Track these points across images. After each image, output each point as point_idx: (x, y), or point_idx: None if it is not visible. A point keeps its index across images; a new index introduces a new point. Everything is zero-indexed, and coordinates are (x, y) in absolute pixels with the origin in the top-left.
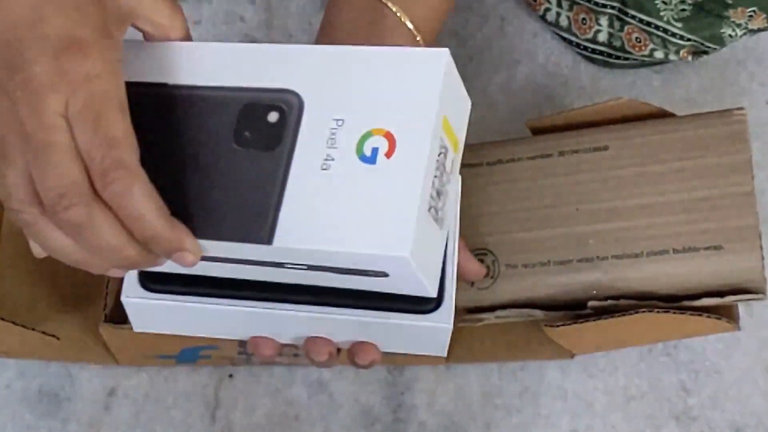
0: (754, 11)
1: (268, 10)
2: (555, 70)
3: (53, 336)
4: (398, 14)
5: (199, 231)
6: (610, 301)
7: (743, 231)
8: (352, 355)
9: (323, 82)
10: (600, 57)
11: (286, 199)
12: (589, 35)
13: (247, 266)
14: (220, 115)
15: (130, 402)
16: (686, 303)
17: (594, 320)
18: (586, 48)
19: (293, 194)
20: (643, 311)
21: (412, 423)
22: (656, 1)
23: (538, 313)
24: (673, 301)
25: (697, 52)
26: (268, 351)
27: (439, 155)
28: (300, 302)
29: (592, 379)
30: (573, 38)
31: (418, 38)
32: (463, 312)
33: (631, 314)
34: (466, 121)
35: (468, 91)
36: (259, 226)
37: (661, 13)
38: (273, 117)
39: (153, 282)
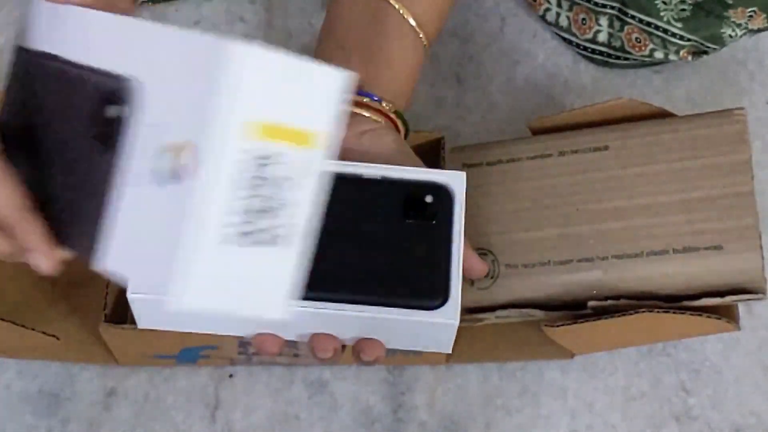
0: (754, 11)
1: (268, 10)
2: (555, 70)
3: (53, 336)
4: (401, 11)
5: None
6: (610, 301)
7: (743, 231)
8: (357, 351)
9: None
10: (600, 57)
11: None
12: (589, 35)
13: None
14: (77, 98)
15: (130, 402)
16: (686, 303)
17: (594, 320)
18: (586, 48)
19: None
20: (643, 311)
21: (412, 423)
22: (656, 2)
23: (538, 313)
24: (673, 301)
25: (697, 52)
26: (273, 348)
27: (251, 166)
28: (305, 299)
29: (592, 379)
30: (573, 38)
31: (420, 35)
32: (463, 312)
33: (631, 314)
34: (333, 105)
35: (468, 91)
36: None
37: (661, 14)
38: (112, 111)
39: None
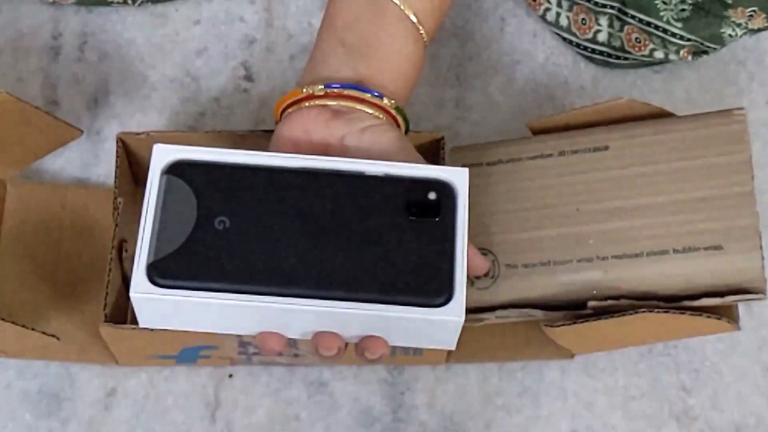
0: (754, 11)
1: (268, 10)
2: (555, 70)
3: (53, 336)
4: (401, 7)
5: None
6: (610, 301)
7: (743, 231)
8: (361, 350)
9: None
10: (600, 57)
11: None
12: (589, 35)
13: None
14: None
15: (130, 402)
16: (686, 303)
17: (594, 320)
18: (586, 48)
19: None
20: (643, 311)
21: (412, 423)
22: (656, 1)
23: (538, 313)
24: (673, 301)
25: (697, 52)
26: (276, 346)
27: None
28: (309, 297)
29: (592, 379)
30: (573, 38)
31: (421, 31)
32: None
33: (631, 314)
34: None
35: (468, 91)
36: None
37: (661, 13)
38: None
39: (161, 277)
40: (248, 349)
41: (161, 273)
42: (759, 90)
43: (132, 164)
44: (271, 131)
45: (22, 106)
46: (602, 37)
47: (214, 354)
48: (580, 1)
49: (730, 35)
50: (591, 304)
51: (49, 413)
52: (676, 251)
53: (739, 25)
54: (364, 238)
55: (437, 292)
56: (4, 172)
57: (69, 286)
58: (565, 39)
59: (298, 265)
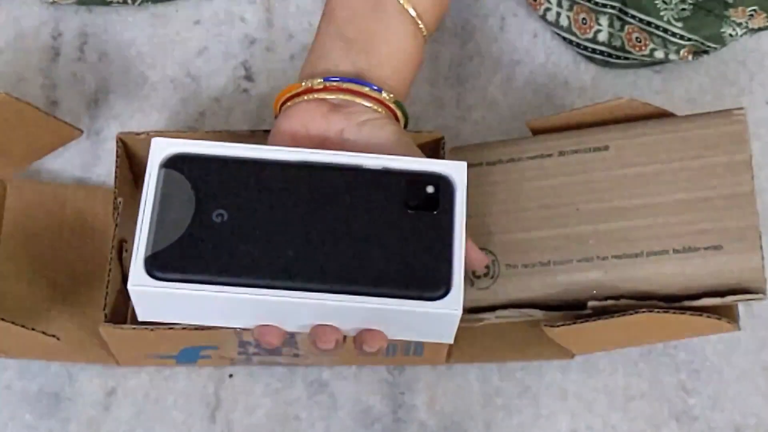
0: (754, 10)
1: (268, 10)
2: (555, 70)
3: (53, 336)
4: (401, 1)
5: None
6: (610, 301)
7: (743, 231)
8: (359, 342)
9: None
10: (600, 57)
11: None
12: (590, 35)
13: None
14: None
15: (130, 402)
16: (686, 303)
17: (594, 320)
18: (586, 48)
19: None
20: (643, 311)
21: (412, 423)
22: (656, 1)
23: (538, 313)
24: (673, 301)
25: (698, 52)
26: (274, 340)
27: None
28: (307, 290)
29: (592, 379)
30: (573, 38)
31: (420, 25)
32: (463, 312)
33: (631, 314)
34: None
35: (468, 91)
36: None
37: (661, 13)
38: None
39: (159, 270)
40: (248, 349)
41: (159, 266)
42: (759, 90)
43: (132, 164)
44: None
45: (22, 106)
46: (602, 36)
47: (215, 354)
48: (581, 1)
49: (730, 35)
50: (591, 304)
51: (49, 413)
52: (676, 251)
53: (739, 24)
54: (362, 232)
55: (435, 285)
56: (4, 172)
57: (69, 286)
58: (565, 39)
59: (296, 258)
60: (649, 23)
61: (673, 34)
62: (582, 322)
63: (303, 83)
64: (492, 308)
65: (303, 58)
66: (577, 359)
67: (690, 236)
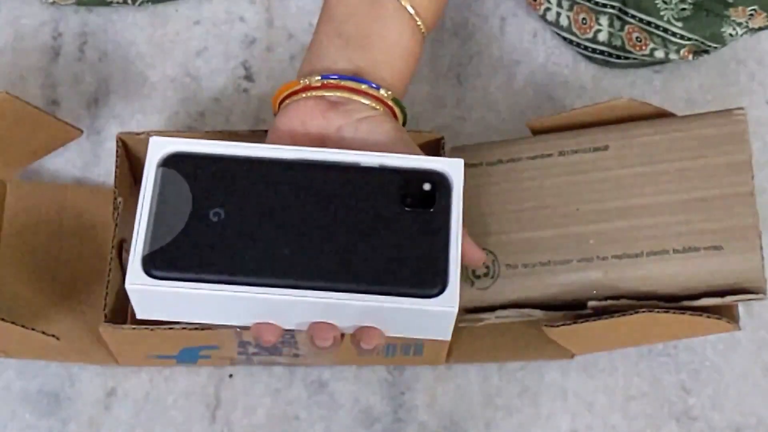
0: (754, 10)
1: (268, 10)
2: (555, 70)
3: (53, 336)
4: None
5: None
6: (610, 301)
7: (743, 231)
8: (356, 340)
9: None
10: (600, 57)
11: None
12: (590, 35)
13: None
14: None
15: (130, 402)
16: (686, 303)
17: (594, 320)
18: (586, 48)
19: None
20: (643, 311)
21: (412, 423)
22: (656, 1)
23: (538, 313)
24: (673, 301)
25: (698, 52)
26: (271, 337)
27: None
28: (304, 287)
29: (592, 379)
30: (573, 38)
31: (419, 23)
32: (463, 312)
33: (631, 314)
34: None
35: (468, 91)
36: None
37: (662, 13)
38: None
39: (157, 269)
40: (248, 349)
41: (157, 264)
42: (759, 90)
43: (132, 164)
44: None
45: (22, 106)
46: (603, 36)
47: (215, 354)
48: (581, 1)
49: (730, 34)
50: (591, 304)
51: (49, 413)
52: (676, 251)
53: (739, 24)
54: (358, 229)
55: (431, 283)
56: (4, 172)
57: (69, 286)
58: (565, 39)
59: (293, 256)
60: (649, 23)
61: (674, 34)
62: (582, 322)
63: (301, 81)
64: (492, 308)
65: (303, 57)
66: (577, 359)
67: (690, 236)
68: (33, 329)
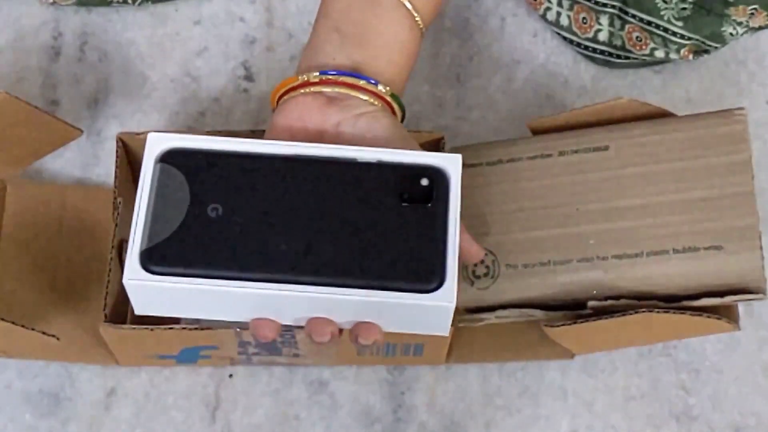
0: (755, 9)
1: (268, 10)
2: (555, 70)
3: (53, 336)
4: None
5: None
6: (610, 301)
7: (743, 231)
8: (354, 335)
9: None
10: (600, 56)
11: None
12: (590, 34)
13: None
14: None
15: (130, 402)
16: (686, 303)
17: (594, 320)
18: (586, 47)
19: None
20: (643, 311)
21: (412, 423)
22: (657, 0)
23: (538, 313)
24: (673, 301)
25: (698, 51)
26: (269, 333)
27: None
28: (302, 283)
29: (592, 379)
30: (573, 38)
31: (417, 19)
32: (463, 312)
33: (631, 314)
34: None
35: (468, 91)
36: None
37: (662, 12)
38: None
39: (155, 264)
40: (248, 349)
41: (154, 260)
42: (759, 90)
43: (132, 164)
44: None
45: (22, 106)
46: (603, 36)
47: (215, 354)
48: (581, 1)
49: (731, 34)
50: (591, 304)
51: (49, 413)
52: (676, 251)
53: (740, 23)
54: (356, 225)
55: (429, 278)
56: (4, 172)
57: (69, 286)
58: (565, 38)
59: (291, 252)
60: (649, 22)
61: (674, 34)
62: (582, 322)
63: (299, 77)
64: (492, 308)
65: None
66: (577, 359)
67: (690, 236)
68: (33, 329)
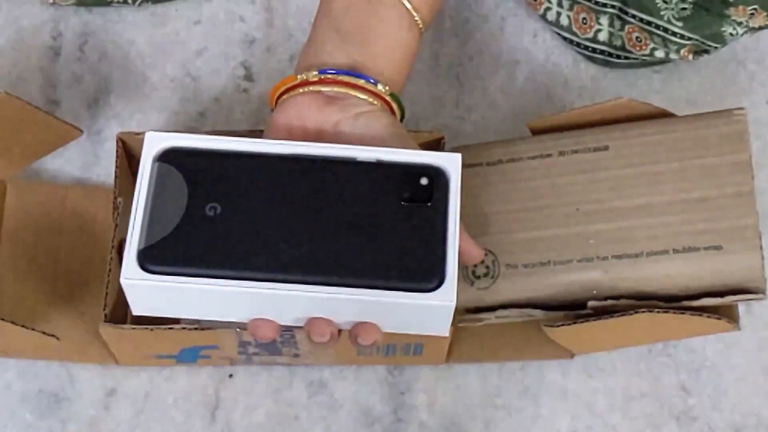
0: (755, 9)
1: (268, 10)
2: (555, 70)
3: (53, 336)
4: None
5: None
6: (610, 301)
7: (743, 231)
8: (354, 335)
9: None
10: (600, 56)
11: None
12: (590, 34)
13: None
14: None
15: (130, 402)
16: (686, 303)
17: (594, 320)
18: (586, 47)
19: None
20: (643, 311)
21: (412, 423)
22: (657, 0)
23: (538, 313)
24: (673, 301)
25: (698, 51)
26: (268, 333)
27: None
28: (301, 283)
29: (592, 379)
30: (573, 38)
31: (416, 18)
32: (463, 312)
33: (631, 314)
34: None
35: (468, 91)
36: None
37: (662, 12)
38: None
39: (152, 264)
40: (248, 349)
41: (152, 259)
42: (759, 90)
43: (132, 164)
44: None
45: (22, 106)
46: (603, 36)
47: (215, 354)
48: (581, 1)
49: (731, 34)
50: (591, 304)
51: (49, 413)
52: (676, 251)
53: (740, 23)
54: (355, 224)
55: (428, 277)
56: (4, 172)
57: (69, 286)
58: (565, 38)
59: (290, 251)
60: (649, 23)
61: (674, 34)
62: (582, 322)
63: (298, 76)
64: (492, 308)
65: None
66: (577, 359)
67: (690, 236)
68: (33, 329)
